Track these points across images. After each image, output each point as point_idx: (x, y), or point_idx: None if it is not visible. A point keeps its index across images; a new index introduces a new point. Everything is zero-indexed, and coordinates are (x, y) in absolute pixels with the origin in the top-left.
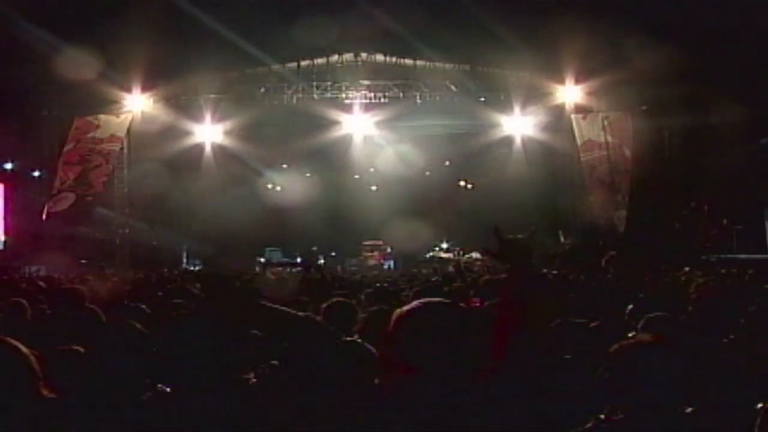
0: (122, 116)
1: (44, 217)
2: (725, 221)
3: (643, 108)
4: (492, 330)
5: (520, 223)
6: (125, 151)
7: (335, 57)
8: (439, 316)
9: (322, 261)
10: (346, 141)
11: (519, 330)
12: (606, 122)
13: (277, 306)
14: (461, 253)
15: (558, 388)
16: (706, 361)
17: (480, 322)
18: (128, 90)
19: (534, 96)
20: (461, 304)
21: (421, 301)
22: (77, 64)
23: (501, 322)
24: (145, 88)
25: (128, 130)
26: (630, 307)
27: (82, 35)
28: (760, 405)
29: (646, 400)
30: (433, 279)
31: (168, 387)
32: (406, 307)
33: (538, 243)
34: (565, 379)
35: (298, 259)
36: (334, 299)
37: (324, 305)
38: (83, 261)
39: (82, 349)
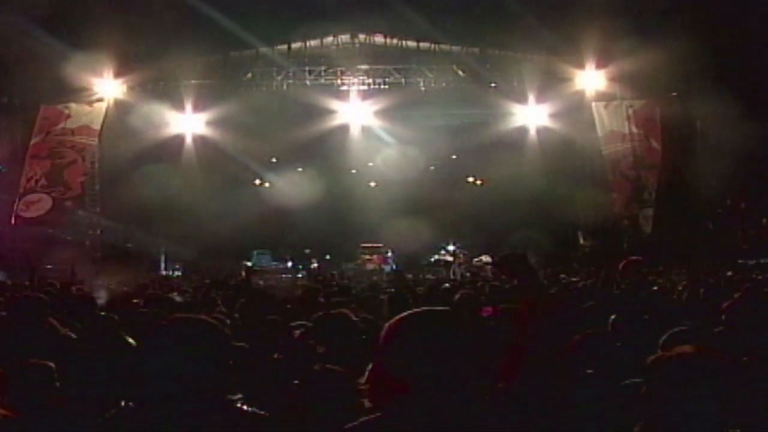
0: (95, 105)
1: (13, 221)
2: (765, 220)
3: (673, 95)
4: (503, 346)
5: (535, 223)
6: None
7: (330, 38)
8: (435, 327)
9: (315, 265)
10: (342, 132)
11: (534, 348)
12: (631, 111)
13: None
14: (462, 255)
15: (577, 406)
16: (753, 375)
17: (484, 333)
18: (99, 75)
19: (550, 82)
20: (460, 313)
21: (415, 310)
22: (42, 46)
23: (516, 339)
24: (118, 73)
25: (103, 122)
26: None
27: (47, 13)
28: None
29: (688, 415)
30: (445, 285)
31: (134, 404)
32: (396, 318)
33: (541, 247)
34: (585, 396)
35: (290, 264)
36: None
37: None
38: (49, 266)
39: (51, 364)
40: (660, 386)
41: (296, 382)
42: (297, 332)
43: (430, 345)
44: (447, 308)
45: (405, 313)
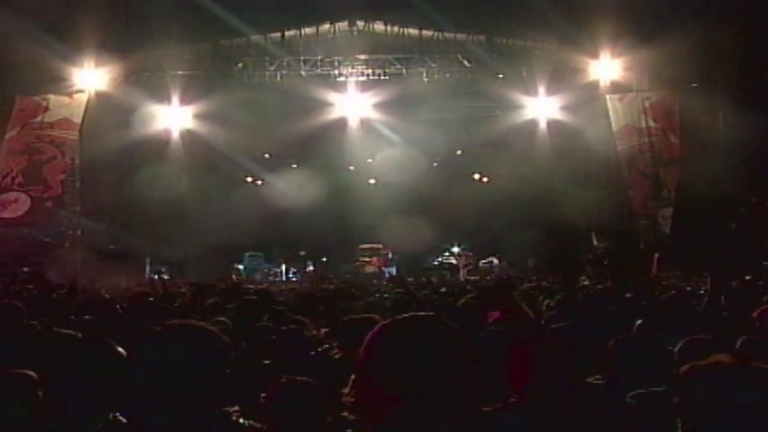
0: (75, 97)
1: None
2: None
3: (693, 86)
4: (505, 356)
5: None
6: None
7: (326, 26)
8: (424, 333)
9: (311, 268)
10: (339, 126)
11: (541, 362)
12: (647, 104)
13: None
14: (467, 257)
15: (588, 416)
16: None
17: (485, 340)
18: (80, 65)
19: (562, 72)
20: (440, 318)
21: (401, 316)
22: (18, 33)
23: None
24: (100, 63)
25: (84, 115)
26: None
27: None
28: None
29: (726, 428)
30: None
31: (124, 417)
32: (381, 324)
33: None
34: (596, 404)
35: (283, 266)
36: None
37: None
38: (25, 269)
39: (32, 374)
40: (696, 397)
41: (263, 395)
42: (321, 332)
43: (417, 354)
44: (432, 314)
45: (391, 319)
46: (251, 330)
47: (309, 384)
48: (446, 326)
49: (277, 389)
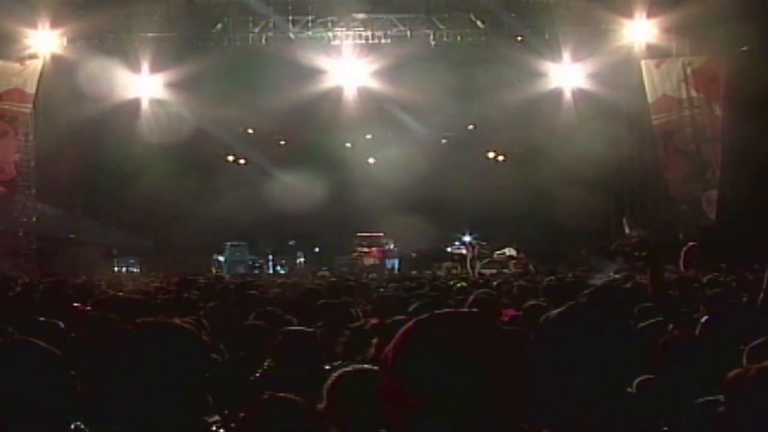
0: (28, 63)
1: None
2: None
3: (742, 49)
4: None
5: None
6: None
7: None
8: (453, 332)
9: (302, 260)
10: (333, 97)
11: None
12: (689, 70)
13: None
14: (480, 247)
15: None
16: None
17: (510, 339)
18: (32, 25)
19: (590, 34)
20: (486, 316)
21: (429, 314)
22: None
23: None
24: (56, 23)
25: (38, 85)
26: None
27: None
28: None
29: None
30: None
31: (87, 428)
32: (416, 320)
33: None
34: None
35: (270, 258)
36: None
37: None
38: None
39: None
40: (743, 406)
41: (242, 415)
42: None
43: (450, 355)
44: (475, 310)
45: (420, 317)
46: (235, 331)
47: (295, 403)
48: (490, 325)
49: (257, 407)
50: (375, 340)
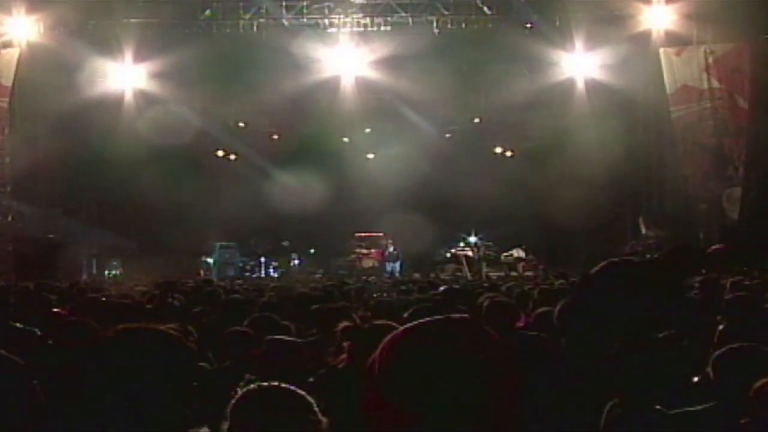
0: (3, 52)
1: None
2: None
3: None
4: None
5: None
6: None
7: None
8: (443, 341)
9: (296, 262)
10: (330, 88)
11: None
12: (711, 59)
13: None
14: (485, 248)
15: None
16: None
17: (507, 349)
18: (7, 11)
19: (604, 21)
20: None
21: (428, 319)
22: None
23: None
24: (33, 8)
25: (15, 76)
26: None
27: None
28: None
29: None
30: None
31: None
32: (403, 328)
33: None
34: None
35: (262, 260)
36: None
37: None
38: None
39: None
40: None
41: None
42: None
43: (444, 365)
44: (465, 316)
45: (410, 324)
46: (224, 338)
47: (285, 390)
48: (482, 332)
49: (245, 398)
50: (346, 344)
